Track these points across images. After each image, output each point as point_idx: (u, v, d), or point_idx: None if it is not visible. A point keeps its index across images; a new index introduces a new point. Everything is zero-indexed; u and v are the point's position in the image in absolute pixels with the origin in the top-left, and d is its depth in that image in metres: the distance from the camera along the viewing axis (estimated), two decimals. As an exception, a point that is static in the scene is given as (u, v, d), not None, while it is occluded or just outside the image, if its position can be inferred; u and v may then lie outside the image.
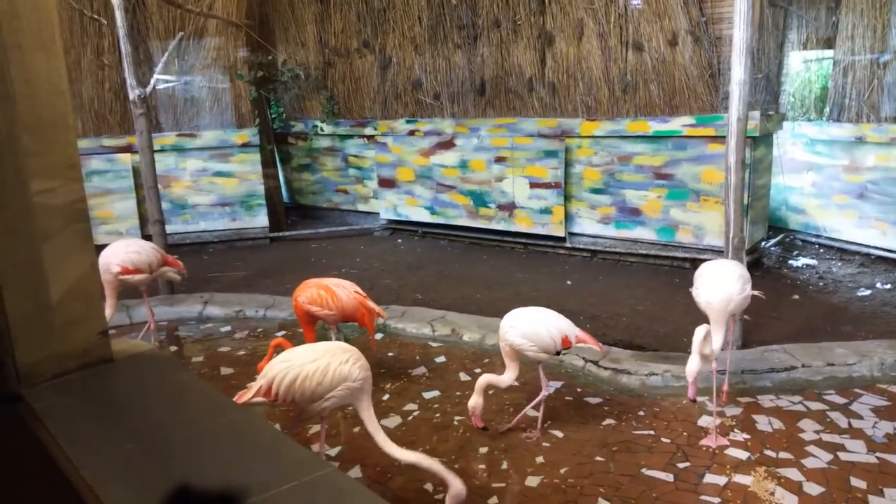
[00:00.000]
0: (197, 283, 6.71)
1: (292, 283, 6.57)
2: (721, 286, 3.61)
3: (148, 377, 2.10)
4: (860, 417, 3.75)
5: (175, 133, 8.16)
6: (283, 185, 9.53)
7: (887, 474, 3.22)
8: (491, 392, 4.10)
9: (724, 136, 6.03)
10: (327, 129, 8.90)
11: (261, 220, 8.39)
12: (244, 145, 8.23)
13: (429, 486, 3.33)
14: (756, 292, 3.82)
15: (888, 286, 5.84)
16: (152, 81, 6.30)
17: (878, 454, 3.39)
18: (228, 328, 5.57)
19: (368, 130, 8.55)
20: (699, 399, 3.83)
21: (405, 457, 2.97)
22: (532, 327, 3.61)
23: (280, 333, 5.39)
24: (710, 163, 6.25)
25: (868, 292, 5.76)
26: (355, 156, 8.86)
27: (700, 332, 3.45)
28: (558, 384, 4.34)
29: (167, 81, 8.05)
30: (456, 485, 2.83)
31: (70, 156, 1.51)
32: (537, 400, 3.77)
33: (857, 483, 3.17)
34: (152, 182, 6.21)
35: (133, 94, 6.09)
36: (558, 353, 3.73)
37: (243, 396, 3.02)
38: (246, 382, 4.12)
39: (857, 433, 3.59)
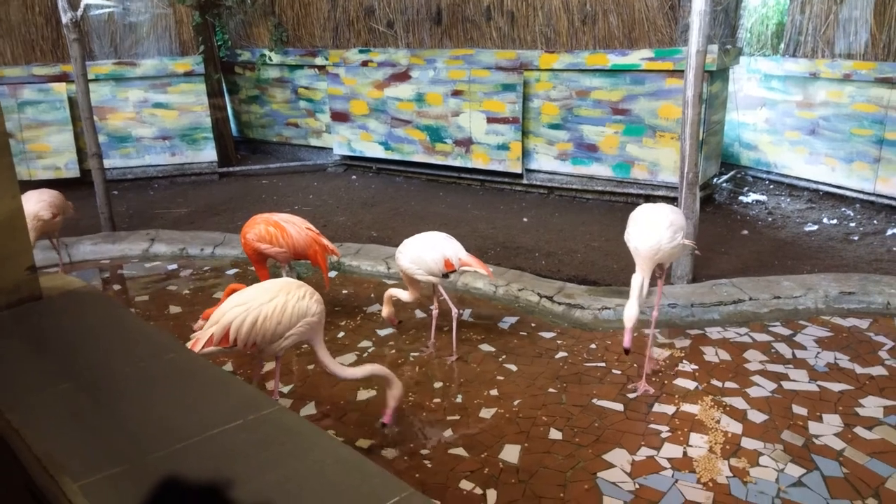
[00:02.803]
0: (141, 221, 6.46)
1: (243, 220, 6.37)
2: (651, 233, 3.42)
3: (82, 314, 1.98)
4: (804, 348, 3.86)
5: (112, 61, 7.70)
6: (231, 117, 9.16)
7: (827, 402, 3.34)
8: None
9: (682, 71, 5.99)
10: (276, 58, 8.52)
11: (208, 154, 8.07)
12: (187, 74, 7.82)
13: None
14: (688, 242, 3.65)
15: (834, 221, 5.99)
16: (82, 4, 5.87)
17: (819, 383, 3.50)
18: (175, 266, 5.39)
19: (319, 60, 8.21)
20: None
21: (360, 373, 3.08)
22: (417, 253, 3.80)
23: (231, 272, 5.25)
24: (667, 98, 6.20)
25: (815, 227, 5.89)
26: (306, 87, 8.53)
27: (638, 278, 3.40)
28: (467, 310, 4.40)
29: (102, 6, 7.54)
30: (398, 385, 3.12)
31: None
32: (455, 323, 3.93)
33: (799, 410, 3.28)
34: (88, 113, 5.86)
35: (66, 17, 5.67)
36: (446, 276, 3.87)
37: (194, 347, 2.82)
38: (193, 321, 4.01)
39: (801, 363, 3.71)
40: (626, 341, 3.28)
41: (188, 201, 7.19)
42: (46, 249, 5.36)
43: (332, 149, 8.40)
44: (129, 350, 1.70)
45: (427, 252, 3.79)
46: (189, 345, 2.83)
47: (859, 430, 3.09)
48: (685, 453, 3.02)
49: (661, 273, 3.77)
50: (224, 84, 8.91)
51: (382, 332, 4.21)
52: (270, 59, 8.53)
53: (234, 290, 3.59)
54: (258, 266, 4.24)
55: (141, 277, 5.24)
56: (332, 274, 5.10)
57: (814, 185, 6.69)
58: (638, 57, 6.24)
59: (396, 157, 7.85)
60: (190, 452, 1.19)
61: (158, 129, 7.92)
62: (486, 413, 3.37)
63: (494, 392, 3.54)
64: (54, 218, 4.71)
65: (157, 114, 7.87)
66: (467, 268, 3.88)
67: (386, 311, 4.01)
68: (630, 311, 3.31)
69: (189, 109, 7.93)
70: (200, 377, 1.54)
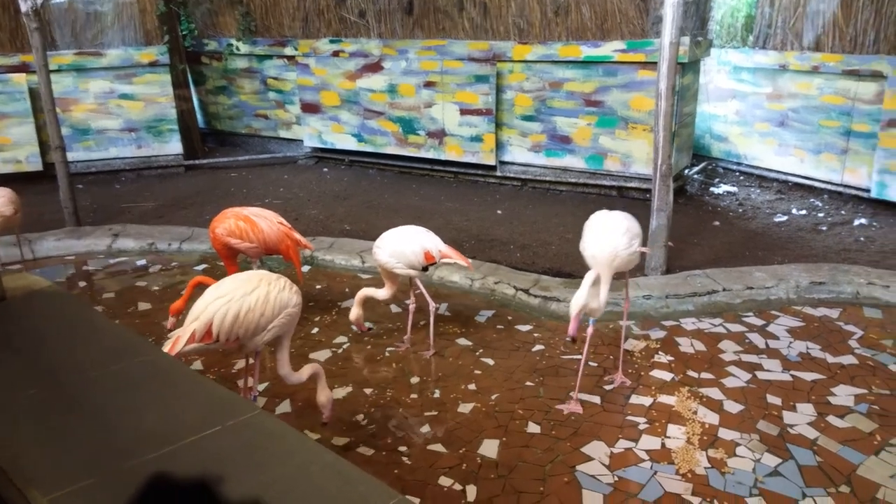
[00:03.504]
0: (107, 215, 6.30)
1: (211, 214, 6.23)
2: (607, 240, 3.34)
3: (48, 316, 1.89)
4: (776, 338, 3.91)
5: (74, 51, 7.47)
6: (197, 108, 8.97)
7: (800, 391, 3.39)
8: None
9: (654, 63, 6.01)
10: (243, 48, 8.35)
11: (174, 146, 7.89)
12: (152, 64, 7.62)
13: (360, 417, 3.28)
14: (644, 248, 3.52)
15: (803, 212, 6.08)
16: (43, -10, 5.67)
17: (792, 372, 3.55)
18: (142, 262, 5.26)
19: (289, 50, 8.07)
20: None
21: (305, 376, 3.03)
22: (397, 246, 3.73)
23: (200, 267, 5.14)
24: (639, 90, 6.22)
25: (784, 218, 5.97)
26: (275, 78, 8.39)
27: (591, 274, 3.26)
28: (444, 304, 4.39)
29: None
30: (327, 393, 3.10)
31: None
32: (432, 317, 3.87)
33: (773, 400, 3.32)
34: (51, 105, 5.67)
35: (25, 5, 5.47)
36: (425, 269, 3.81)
37: (175, 346, 2.66)
38: (163, 319, 3.91)
39: (774, 353, 3.75)
40: (571, 329, 3.12)
41: (155, 195, 7.02)
42: (8, 246, 5.21)
43: (302, 141, 8.28)
44: (99, 353, 1.63)
45: (407, 245, 3.73)
46: (169, 344, 2.72)
47: (831, 419, 3.14)
48: (663, 445, 3.03)
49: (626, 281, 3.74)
50: (190, 75, 8.72)
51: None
52: (238, 48, 8.36)
53: (198, 283, 3.50)
54: (228, 262, 4.15)
55: (107, 274, 5.10)
56: (305, 268, 5.02)
57: (783, 177, 6.78)
58: (610, 49, 6.24)
59: (369, 149, 7.77)
60: (169, 460, 1.13)
61: (124, 121, 7.71)
62: (464, 408, 3.34)
63: (472, 386, 3.52)
64: (15, 214, 4.57)
65: (122, 105, 7.66)
66: (448, 260, 3.84)
67: (355, 313, 3.79)
68: (577, 300, 3.15)
69: (154, 100, 7.73)
70: (175, 380, 1.48)
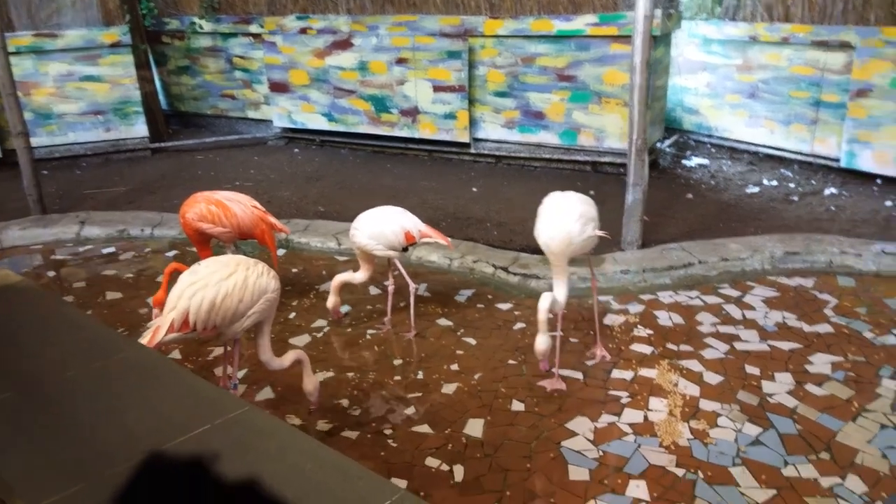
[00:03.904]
0: (73, 202, 6.12)
1: (180, 199, 6.09)
2: (559, 225, 3.22)
3: (20, 313, 1.82)
4: (753, 309, 3.96)
5: (31, 32, 7.19)
6: (160, 90, 8.73)
7: (778, 360, 3.44)
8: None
9: (626, 36, 5.99)
10: (207, 26, 8.12)
11: (139, 129, 7.67)
12: (114, 45, 7.38)
13: (344, 402, 3.26)
14: (601, 233, 3.38)
15: (774, 183, 6.14)
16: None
17: (769, 342, 3.60)
18: (112, 249, 5.13)
19: (254, 28, 7.87)
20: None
21: (287, 362, 3.01)
22: (376, 227, 3.69)
23: (171, 254, 5.03)
24: (612, 63, 6.20)
25: (756, 189, 6.03)
26: (241, 57, 8.18)
27: (544, 302, 3.11)
28: (423, 285, 4.38)
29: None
30: (313, 379, 3.09)
31: None
32: (412, 298, 3.84)
33: (752, 370, 3.37)
34: (11, 88, 5.46)
35: (-27, -17, 5.24)
36: (405, 250, 3.77)
37: (154, 337, 2.62)
38: (136, 308, 3.83)
39: (751, 323, 3.80)
40: (543, 366, 3.21)
41: (121, 180, 6.84)
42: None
43: (271, 121, 8.12)
44: (76, 351, 1.56)
45: (386, 225, 3.68)
46: (149, 335, 2.65)
47: (810, 387, 3.20)
48: (646, 418, 3.06)
49: (591, 264, 3.72)
50: (151, 55, 8.47)
51: (337, 310, 4.12)
52: (201, 27, 8.14)
53: (174, 270, 3.42)
54: (200, 247, 4.06)
55: (75, 263, 4.97)
56: (281, 252, 4.94)
57: (754, 148, 6.84)
58: (582, 22, 6.20)
59: (341, 128, 7.64)
60: (158, 461, 1.09)
61: (88, 104, 7.47)
62: (447, 388, 3.34)
63: (455, 367, 3.51)
64: None
65: (84, 88, 7.41)
66: (427, 239, 3.80)
67: (332, 300, 3.79)
68: (540, 346, 3.10)
69: (118, 82, 7.50)
70: (158, 377, 1.42)
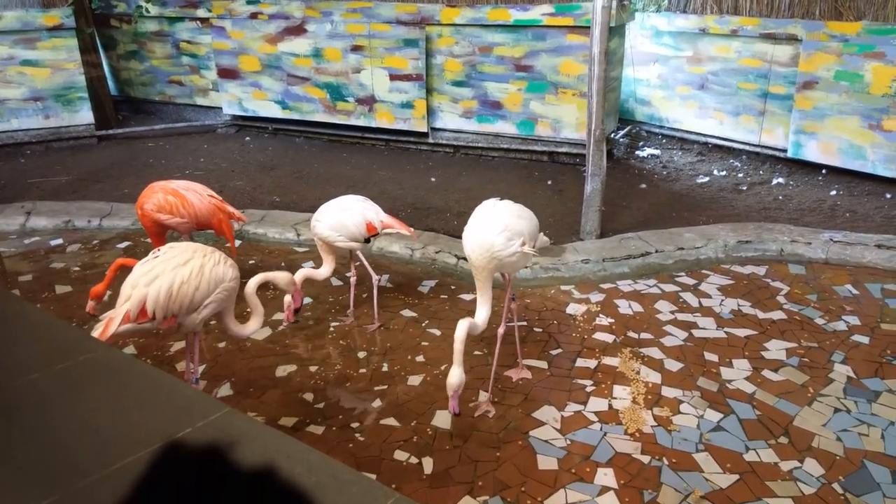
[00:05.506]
0: (15, 192, 5.84)
1: (130, 188, 5.91)
2: (482, 239, 2.96)
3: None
4: (709, 296, 4.06)
5: (-37, 12, 6.81)
6: (108, 75, 8.39)
7: (735, 347, 3.54)
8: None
9: (582, 27, 6.04)
10: (153, 9, 7.84)
11: (84, 115, 7.37)
12: (55, 28, 7.05)
13: (308, 396, 3.21)
14: (528, 249, 3.03)
15: (724, 173, 6.30)
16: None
17: (726, 329, 3.70)
18: (59, 241, 4.93)
19: (202, 12, 7.63)
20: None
21: (251, 326, 3.03)
22: (337, 218, 3.62)
23: (122, 245, 4.86)
24: (568, 54, 6.24)
25: (706, 179, 6.18)
26: (188, 41, 7.93)
27: (460, 330, 2.83)
28: (385, 276, 4.36)
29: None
30: (283, 277, 3.21)
31: None
32: (375, 290, 3.80)
33: (711, 357, 3.45)
34: (-60, 72, 5.17)
35: None
36: (367, 241, 3.71)
37: (107, 329, 2.54)
38: (85, 301, 3.67)
39: (707, 311, 3.89)
40: (452, 407, 2.84)
41: (66, 168, 6.57)
42: None
43: (221, 108, 7.91)
44: (38, 352, 1.48)
45: (348, 217, 3.61)
46: (101, 327, 2.56)
47: (766, 373, 3.30)
48: (610, 406, 3.10)
49: (507, 281, 3.30)
50: (98, 39, 8.13)
51: (298, 303, 4.04)
52: (147, 10, 7.85)
53: (121, 266, 3.30)
54: (156, 238, 3.94)
55: (20, 255, 4.75)
56: (237, 243, 4.83)
57: (703, 139, 7.00)
58: (539, 12, 6.21)
59: (295, 116, 7.50)
60: (133, 472, 1.04)
61: (27, 90, 7.12)
62: (413, 380, 3.32)
63: (420, 358, 3.50)
64: None
65: (24, 72, 7.06)
66: (390, 230, 3.75)
67: (288, 297, 3.44)
68: (453, 380, 2.81)
69: (61, 67, 7.17)
70: (128, 378, 1.36)
